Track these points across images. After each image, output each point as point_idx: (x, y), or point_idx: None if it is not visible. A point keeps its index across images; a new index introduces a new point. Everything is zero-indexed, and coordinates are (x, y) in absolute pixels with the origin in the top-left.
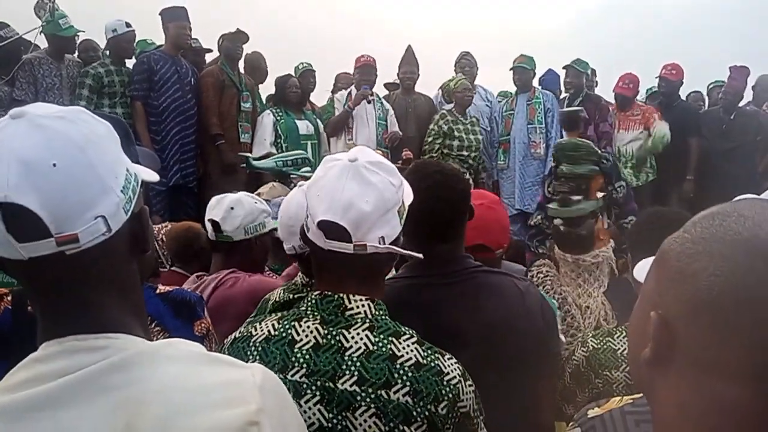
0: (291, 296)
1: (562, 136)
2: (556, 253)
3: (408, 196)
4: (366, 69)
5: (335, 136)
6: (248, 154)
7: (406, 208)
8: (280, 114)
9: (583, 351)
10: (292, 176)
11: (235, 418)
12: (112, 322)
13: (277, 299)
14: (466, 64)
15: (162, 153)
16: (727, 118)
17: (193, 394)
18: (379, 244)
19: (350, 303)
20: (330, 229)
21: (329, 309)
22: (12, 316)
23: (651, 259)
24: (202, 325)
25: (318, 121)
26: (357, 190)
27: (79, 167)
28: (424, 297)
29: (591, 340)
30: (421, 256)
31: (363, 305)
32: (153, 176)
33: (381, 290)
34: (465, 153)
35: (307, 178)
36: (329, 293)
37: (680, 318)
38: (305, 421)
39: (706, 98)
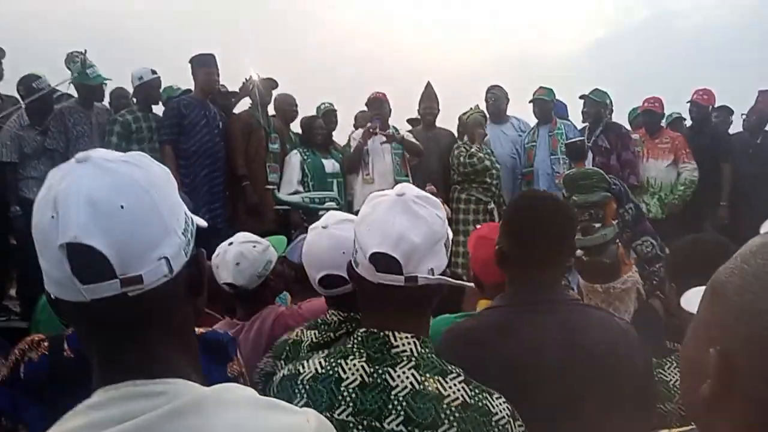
0: (331, 336)
1: (585, 166)
2: (581, 284)
3: (448, 229)
4: (375, 104)
5: (353, 172)
6: (273, 187)
7: (450, 241)
8: (307, 153)
9: None
10: (320, 212)
11: None
12: (169, 367)
13: (312, 341)
14: (492, 96)
15: (191, 195)
16: (753, 142)
17: None
18: (430, 275)
19: (396, 341)
20: (381, 262)
21: (375, 346)
22: (48, 362)
23: (700, 288)
24: (234, 366)
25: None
26: (407, 223)
27: (144, 209)
28: (523, 325)
29: None
30: (472, 284)
31: (409, 343)
32: (202, 222)
33: (426, 328)
34: (488, 180)
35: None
36: (375, 330)
37: (743, 356)
38: None
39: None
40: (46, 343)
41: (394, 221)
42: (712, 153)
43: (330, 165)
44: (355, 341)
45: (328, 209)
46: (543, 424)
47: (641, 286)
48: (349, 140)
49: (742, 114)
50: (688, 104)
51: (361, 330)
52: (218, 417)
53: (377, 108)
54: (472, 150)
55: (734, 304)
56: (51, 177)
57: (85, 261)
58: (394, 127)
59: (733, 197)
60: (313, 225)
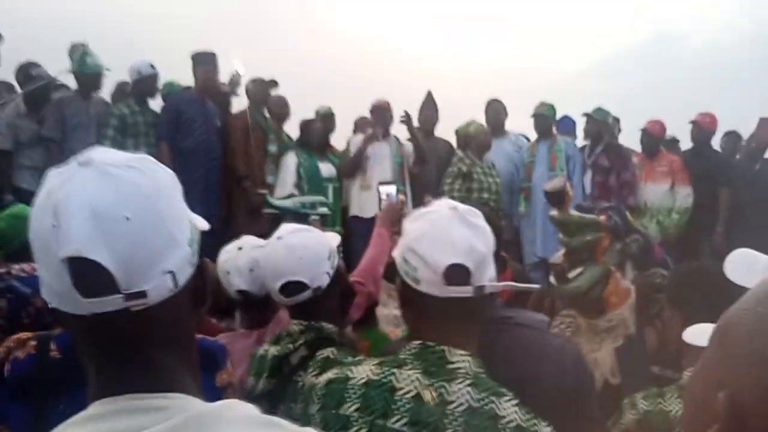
0: (290, 347)
1: (583, 184)
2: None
3: None
4: (378, 112)
5: (350, 177)
6: (265, 192)
7: None
8: (303, 156)
9: (633, 414)
10: (311, 217)
11: None
12: (170, 381)
13: (275, 354)
14: (493, 110)
15: (186, 194)
16: (752, 168)
17: None
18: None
19: (452, 357)
20: (452, 274)
21: (431, 360)
22: (35, 361)
23: (705, 325)
24: (224, 376)
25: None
26: (470, 234)
27: (150, 220)
28: None
29: (641, 402)
30: (538, 286)
31: (465, 360)
32: (204, 225)
33: (476, 343)
34: (485, 195)
35: (325, 218)
36: (431, 344)
37: (753, 403)
38: None
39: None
40: (33, 342)
41: (460, 233)
42: (711, 177)
43: (326, 169)
44: (410, 352)
45: (320, 214)
46: None
47: (629, 322)
48: (348, 145)
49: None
50: (690, 125)
51: (416, 342)
52: None
53: (380, 115)
54: (473, 170)
55: (745, 348)
56: (51, 180)
57: (88, 275)
58: (394, 136)
59: (731, 223)
60: (268, 240)
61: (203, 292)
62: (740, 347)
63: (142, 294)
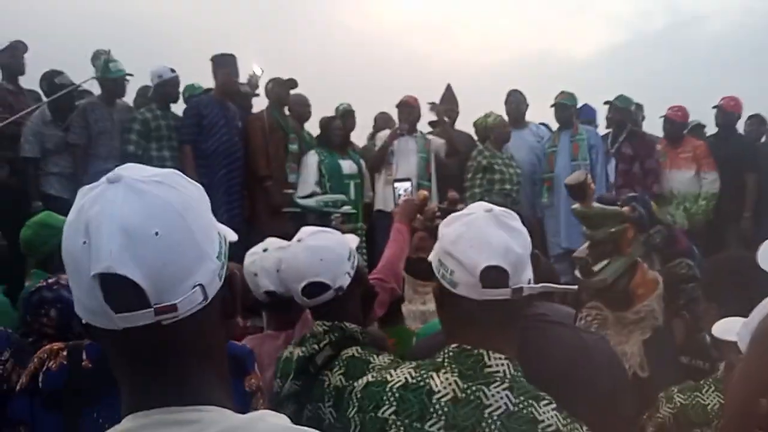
0: (316, 347)
1: (607, 173)
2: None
3: None
4: (404, 108)
5: (376, 171)
6: (292, 191)
7: None
8: (324, 154)
9: (669, 408)
10: (333, 215)
11: None
12: (202, 394)
13: (299, 355)
14: (514, 101)
15: (209, 196)
16: None
17: None
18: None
19: (490, 360)
20: (489, 276)
21: (468, 364)
22: (67, 372)
23: (735, 319)
24: (252, 380)
25: (361, 160)
26: (507, 236)
27: (179, 235)
28: None
29: (677, 396)
30: (576, 287)
31: (502, 364)
32: (233, 236)
33: (514, 346)
34: (507, 187)
35: (347, 215)
36: (468, 347)
37: None
38: None
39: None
40: (65, 353)
41: (496, 234)
42: (737, 162)
43: (347, 166)
44: (447, 356)
45: (344, 213)
46: None
47: (658, 314)
48: (368, 140)
49: None
50: (714, 109)
51: (453, 345)
52: None
53: (407, 112)
54: (493, 162)
55: None
56: (81, 198)
57: (119, 291)
58: (420, 132)
59: (758, 208)
60: (289, 243)
61: (232, 304)
62: None
63: (172, 308)
